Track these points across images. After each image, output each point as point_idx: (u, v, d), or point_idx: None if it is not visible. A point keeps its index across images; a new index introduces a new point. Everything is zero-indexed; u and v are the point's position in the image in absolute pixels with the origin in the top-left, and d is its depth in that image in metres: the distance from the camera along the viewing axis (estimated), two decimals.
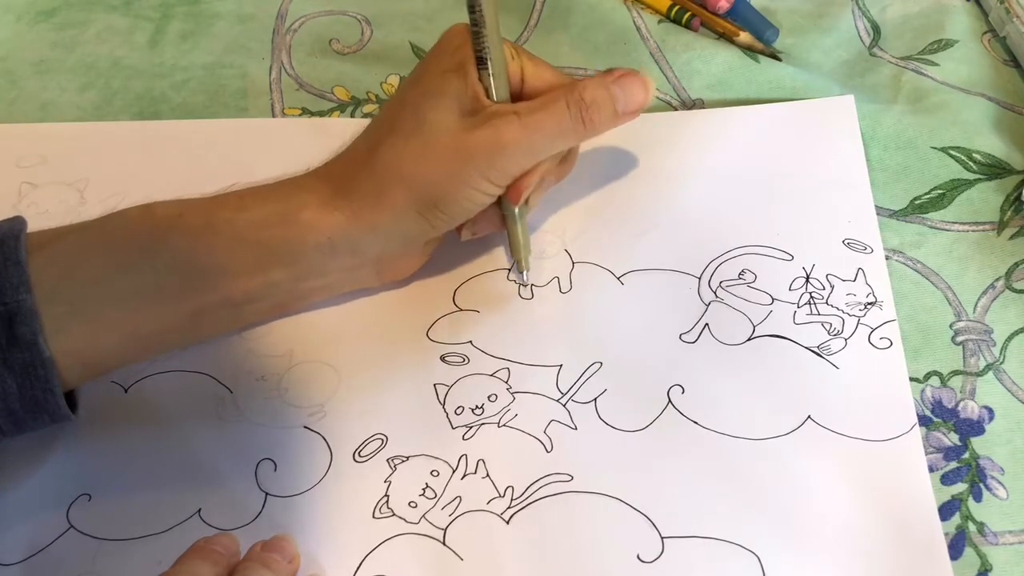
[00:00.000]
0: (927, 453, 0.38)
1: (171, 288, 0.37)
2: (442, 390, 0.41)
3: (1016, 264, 0.44)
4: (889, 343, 0.41)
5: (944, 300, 0.43)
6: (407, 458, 0.39)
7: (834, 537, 0.36)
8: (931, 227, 0.45)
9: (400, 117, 0.39)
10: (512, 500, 0.37)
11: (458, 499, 0.38)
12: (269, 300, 0.40)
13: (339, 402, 0.41)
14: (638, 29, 0.54)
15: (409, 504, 0.37)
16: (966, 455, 0.38)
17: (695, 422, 0.39)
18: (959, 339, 0.42)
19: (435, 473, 0.38)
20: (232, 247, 0.38)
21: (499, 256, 0.45)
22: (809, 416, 0.39)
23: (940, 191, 0.46)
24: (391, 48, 0.55)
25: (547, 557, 0.36)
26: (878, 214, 0.45)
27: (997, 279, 0.44)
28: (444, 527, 0.37)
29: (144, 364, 0.41)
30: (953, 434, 0.39)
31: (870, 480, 0.37)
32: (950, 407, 0.40)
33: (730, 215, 0.46)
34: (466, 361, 0.42)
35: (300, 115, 0.52)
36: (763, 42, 0.53)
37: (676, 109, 0.51)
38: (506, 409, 0.40)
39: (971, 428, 0.39)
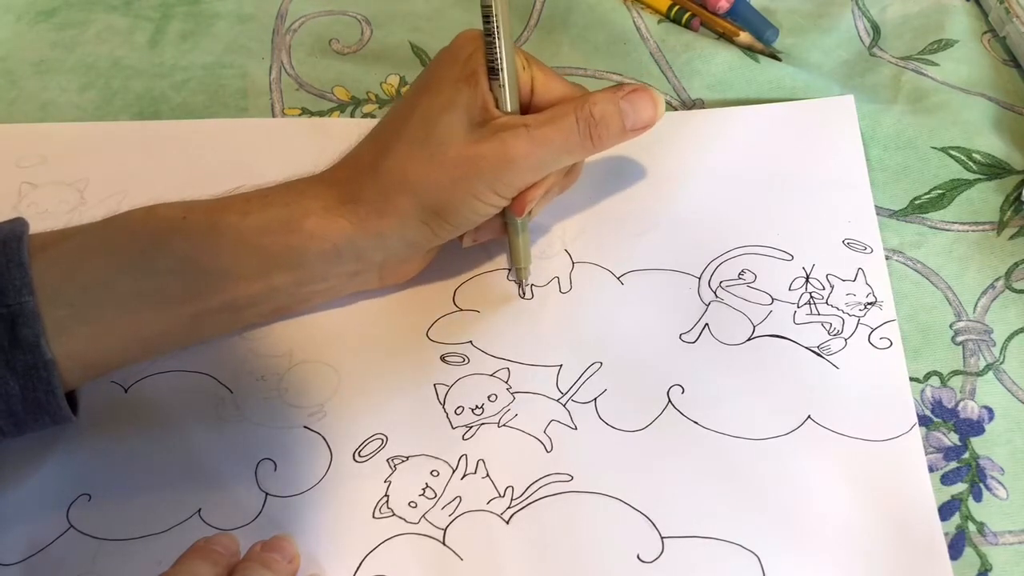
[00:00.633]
0: (927, 453, 0.38)
1: (173, 291, 0.37)
2: (442, 390, 0.41)
3: (1016, 264, 0.44)
4: (889, 343, 0.41)
5: (944, 300, 0.43)
6: (407, 458, 0.39)
7: (834, 537, 0.36)
8: (931, 227, 0.45)
9: (408, 125, 0.39)
10: (512, 500, 0.37)
11: (458, 499, 0.38)
12: (271, 303, 0.40)
13: (339, 402, 0.41)
14: (638, 29, 0.54)
15: (409, 504, 0.37)
16: (966, 455, 0.38)
17: (695, 422, 0.39)
18: (959, 339, 0.42)
19: (435, 473, 0.38)
20: (235, 251, 0.38)
21: (499, 257, 0.45)
22: (809, 416, 0.39)
23: (940, 191, 0.46)
24: (391, 48, 0.55)
25: (547, 557, 0.36)
26: (878, 214, 0.45)
27: (997, 279, 0.44)
28: (444, 527, 0.37)
29: (144, 364, 0.41)
30: (953, 434, 0.39)
31: (870, 480, 0.37)
32: (950, 407, 0.40)
33: (730, 215, 0.46)
34: (466, 361, 0.42)
35: (300, 115, 0.52)
36: (763, 42, 0.53)
37: (676, 109, 0.51)
38: (506, 409, 0.40)
39: (971, 428, 0.39)
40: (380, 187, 0.39)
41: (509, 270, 0.44)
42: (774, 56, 0.53)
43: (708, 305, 0.43)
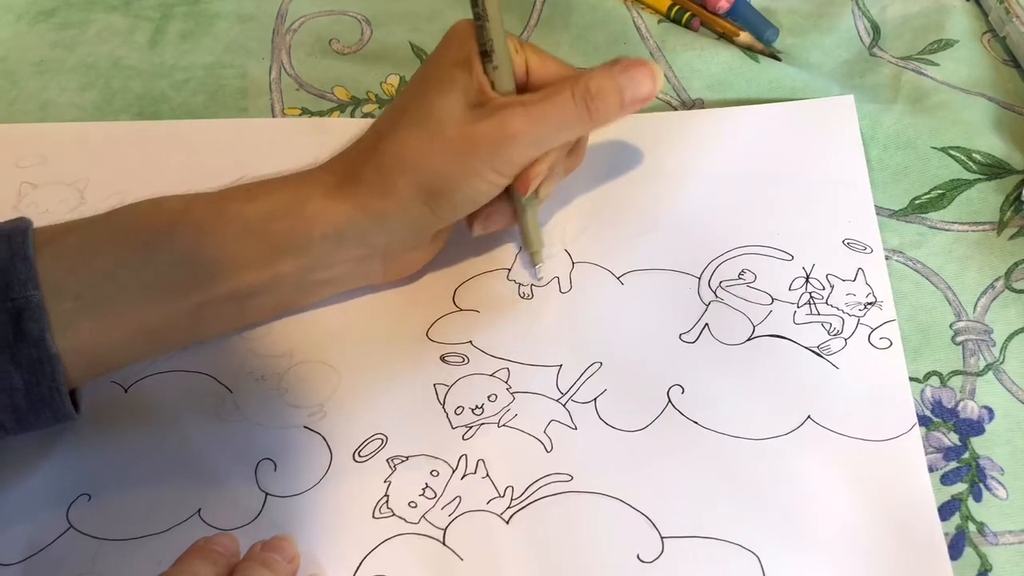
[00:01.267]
0: (927, 453, 0.38)
1: (177, 282, 0.37)
2: (442, 390, 0.41)
3: (1016, 264, 0.44)
4: (889, 343, 0.41)
5: (944, 300, 0.43)
6: (407, 458, 0.39)
7: (834, 537, 0.36)
8: (931, 227, 0.45)
9: (406, 109, 0.40)
10: (512, 500, 0.37)
11: (458, 499, 0.38)
12: (275, 294, 0.40)
13: (339, 402, 0.41)
14: (638, 29, 0.55)
15: (409, 504, 0.37)
16: (966, 455, 0.38)
17: (695, 422, 0.39)
18: (959, 339, 0.42)
19: (435, 473, 0.38)
20: (240, 239, 0.38)
21: (499, 256, 0.45)
22: (809, 416, 0.39)
23: (940, 191, 0.46)
24: (391, 48, 0.56)
25: (547, 557, 0.36)
26: (878, 214, 0.45)
27: (997, 279, 0.44)
28: (444, 527, 0.37)
29: (144, 364, 0.41)
30: (953, 434, 0.39)
31: (870, 480, 0.37)
32: (950, 407, 0.40)
33: (730, 215, 0.46)
34: (466, 361, 0.42)
35: (300, 115, 0.52)
36: (763, 42, 0.53)
37: (676, 109, 0.51)
38: (506, 409, 0.40)
39: (971, 428, 0.39)
40: (379, 168, 0.39)
41: (509, 270, 0.44)
42: (774, 56, 0.53)
43: (708, 305, 0.43)
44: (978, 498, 0.37)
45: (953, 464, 0.38)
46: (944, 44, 0.53)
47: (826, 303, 0.42)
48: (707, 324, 0.42)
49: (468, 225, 0.42)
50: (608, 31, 0.55)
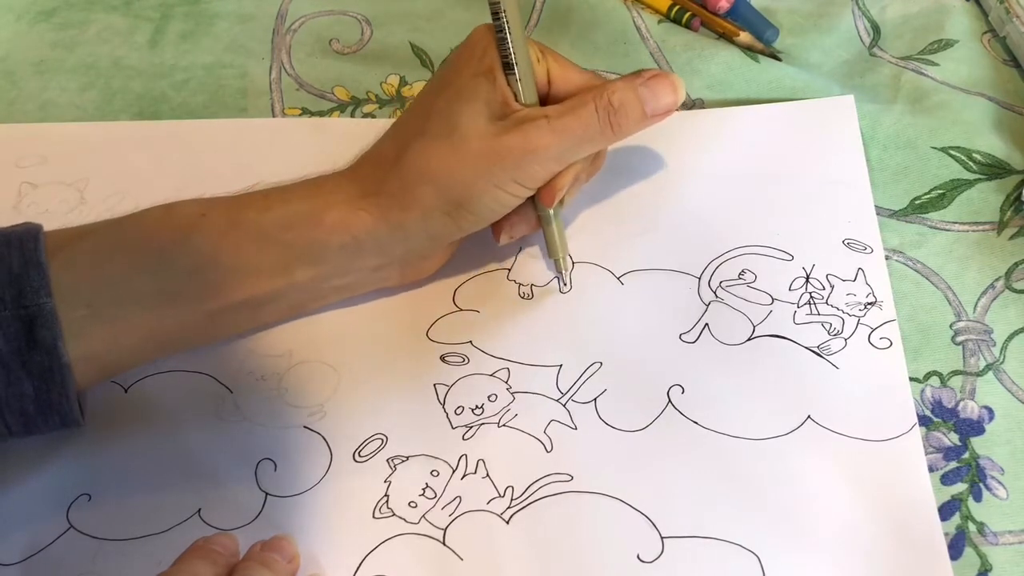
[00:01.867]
0: (927, 453, 0.38)
1: (192, 289, 0.37)
2: (442, 390, 0.41)
3: (1016, 264, 0.44)
4: (889, 343, 0.41)
5: (944, 300, 0.43)
6: (407, 458, 0.39)
7: (834, 537, 0.36)
8: (931, 227, 0.45)
9: (429, 120, 0.39)
10: (512, 500, 0.37)
11: (458, 499, 0.37)
12: (290, 299, 0.41)
13: (339, 402, 0.41)
14: (638, 29, 0.55)
15: (409, 504, 0.37)
16: (966, 455, 0.38)
17: (695, 422, 0.39)
18: (959, 339, 0.42)
19: (435, 473, 0.38)
20: (256, 247, 0.38)
21: (499, 256, 0.45)
22: (809, 416, 0.39)
23: (940, 191, 0.46)
24: (391, 48, 0.55)
25: (547, 557, 0.36)
26: (878, 214, 0.45)
27: (997, 279, 0.44)
28: (444, 527, 0.37)
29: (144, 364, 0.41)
30: (953, 434, 0.39)
31: (870, 480, 0.37)
32: (950, 407, 0.40)
33: (730, 215, 0.46)
34: (466, 361, 0.42)
35: (300, 115, 0.52)
36: (763, 42, 0.53)
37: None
38: (506, 409, 0.40)
39: (971, 428, 0.39)
40: (402, 180, 0.39)
41: (509, 270, 0.44)
42: (774, 56, 0.53)
43: (708, 305, 0.43)
44: (978, 498, 0.37)
45: (953, 464, 0.38)
46: (944, 44, 0.53)
47: (826, 303, 0.42)
48: (707, 324, 0.42)
49: (493, 234, 0.42)
50: (608, 31, 0.55)
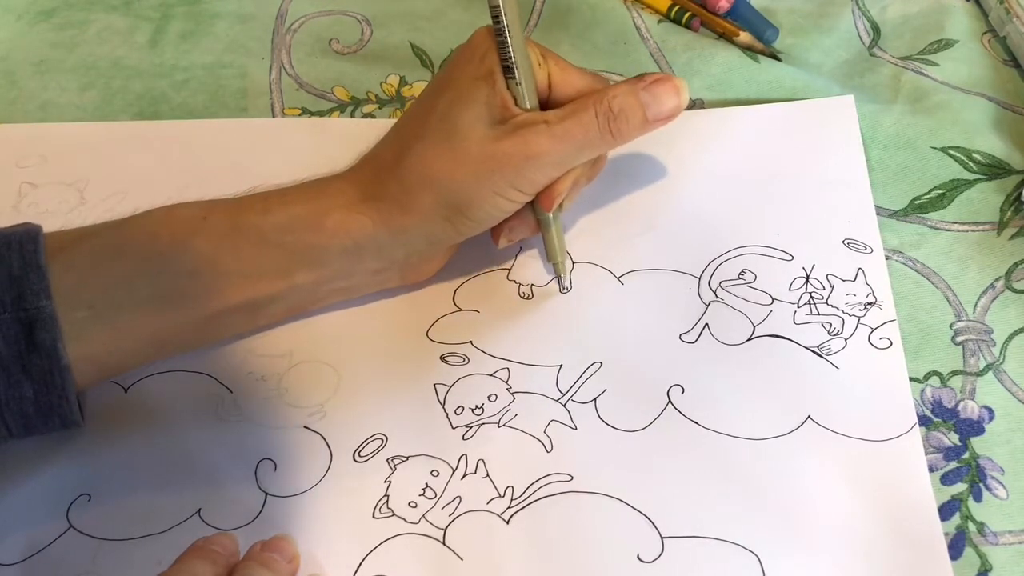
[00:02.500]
0: (927, 453, 0.38)
1: (192, 291, 0.37)
2: (442, 390, 0.41)
3: (1016, 264, 0.44)
4: (889, 343, 0.41)
5: (944, 300, 0.43)
6: (407, 458, 0.39)
7: (834, 537, 0.36)
8: (931, 227, 0.45)
9: (428, 123, 0.39)
10: (512, 500, 0.37)
11: (458, 499, 0.38)
12: (289, 302, 0.41)
13: (339, 402, 0.41)
14: (638, 29, 0.55)
15: (409, 504, 0.37)
16: (966, 455, 0.38)
17: (695, 422, 0.39)
18: (959, 339, 0.42)
19: (435, 473, 0.38)
20: (257, 251, 0.38)
21: (499, 256, 0.45)
22: (809, 416, 0.39)
23: (940, 191, 0.46)
24: (391, 48, 0.55)
25: (547, 557, 0.36)
26: (878, 214, 0.45)
27: (997, 279, 0.44)
28: (444, 527, 0.37)
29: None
30: (953, 434, 0.39)
31: (870, 480, 0.37)
32: (950, 407, 0.40)
33: (730, 215, 0.46)
34: (466, 361, 0.42)
35: (300, 115, 0.52)
36: (763, 42, 0.53)
37: None
38: (506, 409, 0.40)
39: (971, 428, 0.39)
40: (402, 184, 0.39)
41: (509, 270, 0.44)
42: (774, 56, 0.53)
43: (708, 305, 0.43)
44: (978, 498, 0.37)
45: (953, 464, 0.38)
46: (944, 44, 0.53)
47: (826, 303, 0.42)
48: (707, 324, 0.42)
49: (493, 238, 0.42)
50: (608, 31, 0.55)
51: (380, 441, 0.39)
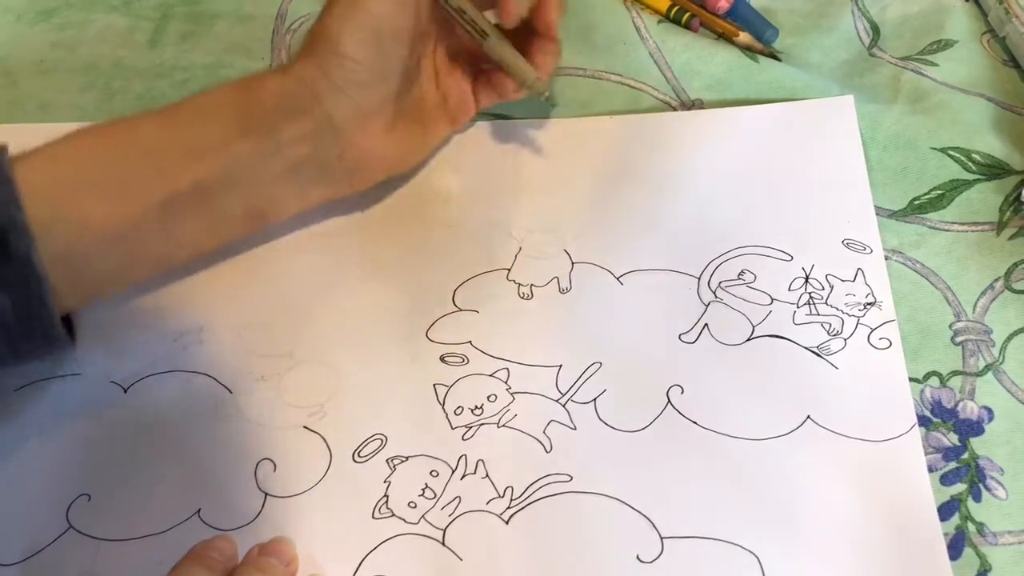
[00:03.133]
0: (926, 453, 0.38)
1: (140, 174, 0.38)
2: (442, 390, 0.41)
3: (1015, 264, 0.44)
4: (888, 343, 0.41)
5: (943, 300, 0.43)
6: (406, 458, 0.39)
7: (834, 537, 0.36)
8: (930, 227, 0.45)
9: None
10: (512, 500, 0.37)
11: (457, 499, 0.38)
12: (238, 189, 0.40)
13: (339, 402, 0.41)
14: (638, 29, 0.54)
15: (408, 504, 0.37)
16: (965, 455, 0.38)
17: (695, 422, 0.39)
18: (958, 339, 0.42)
19: (434, 473, 0.38)
20: (194, 121, 0.40)
21: (499, 256, 0.45)
22: (809, 416, 0.39)
23: (939, 191, 0.46)
24: None
25: (547, 557, 0.36)
26: (877, 214, 0.45)
27: (996, 279, 0.44)
28: (443, 527, 0.37)
29: (144, 364, 0.41)
30: (952, 434, 0.39)
31: (870, 480, 0.37)
32: (949, 407, 0.40)
33: (730, 215, 0.46)
34: (466, 361, 0.42)
35: None
36: (763, 42, 0.53)
37: (676, 109, 0.51)
38: (506, 409, 0.40)
39: (970, 428, 0.39)
40: (323, 29, 0.40)
41: (509, 270, 0.44)
42: (774, 56, 0.53)
43: (708, 305, 0.43)
44: (978, 498, 0.37)
45: (953, 464, 0.38)
46: (944, 44, 0.53)
47: (826, 303, 0.42)
48: (707, 324, 0.42)
49: (500, 15, 0.43)
50: (608, 31, 0.55)
51: (380, 441, 0.39)
